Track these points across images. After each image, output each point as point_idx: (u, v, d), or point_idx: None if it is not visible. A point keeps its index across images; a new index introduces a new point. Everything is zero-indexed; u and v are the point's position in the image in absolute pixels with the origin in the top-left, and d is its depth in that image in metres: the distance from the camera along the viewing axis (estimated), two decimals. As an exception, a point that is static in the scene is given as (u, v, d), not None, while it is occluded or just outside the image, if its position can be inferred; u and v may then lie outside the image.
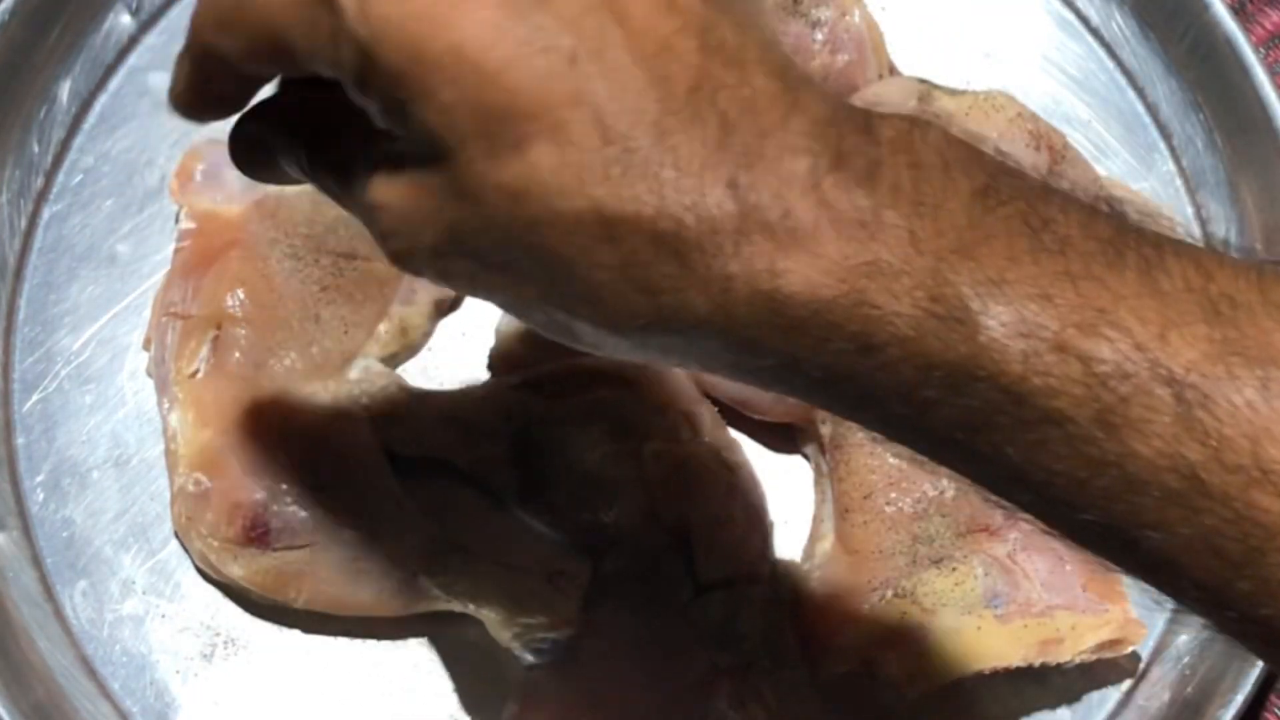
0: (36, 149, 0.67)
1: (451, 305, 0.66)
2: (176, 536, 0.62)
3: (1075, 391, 0.33)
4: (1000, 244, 0.35)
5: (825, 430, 0.62)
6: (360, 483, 0.59)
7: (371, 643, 0.61)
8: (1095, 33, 0.72)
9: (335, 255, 0.62)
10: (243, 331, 0.60)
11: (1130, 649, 0.60)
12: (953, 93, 0.66)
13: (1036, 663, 0.58)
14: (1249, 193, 0.69)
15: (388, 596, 0.59)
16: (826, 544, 0.61)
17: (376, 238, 0.39)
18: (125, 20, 0.69)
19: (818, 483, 0.64)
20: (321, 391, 0.61)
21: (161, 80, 0.68)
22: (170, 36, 0.69)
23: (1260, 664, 0.59)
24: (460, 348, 0.66)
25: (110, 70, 0.68)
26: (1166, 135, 0.71)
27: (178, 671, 0.61)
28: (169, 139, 0.67)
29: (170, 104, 0.44)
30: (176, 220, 0.63)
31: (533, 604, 0.59)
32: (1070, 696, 0.63)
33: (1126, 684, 0.63)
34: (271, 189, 0.62)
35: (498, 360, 0.63)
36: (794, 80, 0.36)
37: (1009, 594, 0.59)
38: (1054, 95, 0.71)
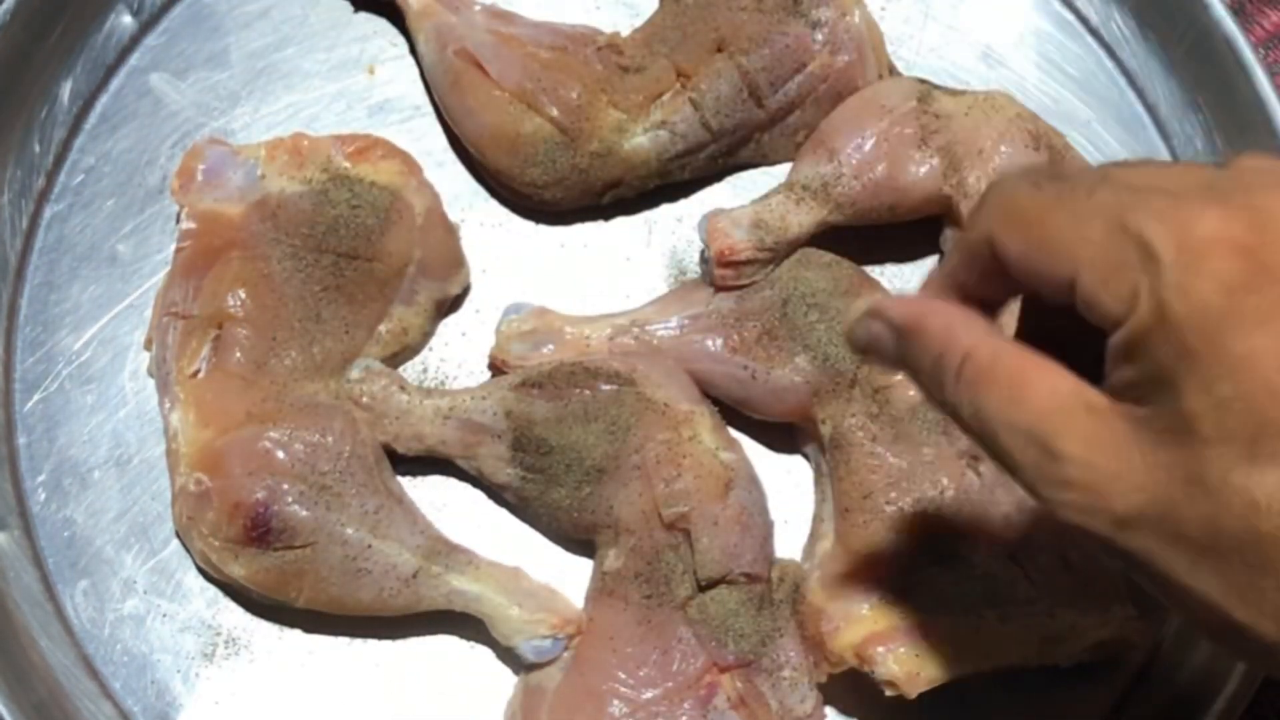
0: (38, 149, 0.67)
1: (452, 305, 0.66)
2: (177, 536, 0.62)
3: None
4: None
5: (825, 430, 0.62)
6: (360, 483, 0.59)
7: (371, 643, 0.61)
8: (1095, 33, 0.72)
9: (335, 255, 0.62)
10: (244, 331, 0.60)
11: (1130, 649, 0.60)
12: (953, 93, 0.66)
13: (1036, 663, 0.59)
14: (1249, 193, 0.69)
15: (388, 596, 0.59)
16: (826, 544, 0.61)
17: (1046, 480, 0.40)
18: (126, 20, 0.69)
19: (818, 483, 0.64)
20: (322, 391, 0.61)
21: (162, 80, 0.68)
22: (170, 37, 0.69)
23: (1260, 664, 0.59)
24: (460, 348, 0.66)
25: (111, 70, 0.68)
26: (1166, 135, 0.71)
27: (179, 671, 0.61)
28: (170, 139, 0.68)
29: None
30: (177, 220, 0.63)
31: (533, 604, 0.59)
32: (1070, 696, 0.63)
33: (1126, 684, 0.63)
34: (273, 189, 0.62)
35: (498, 360, 0.63)
36: None
37: (1009, 594, 0.59)
38: (1054, 95, 0.71)
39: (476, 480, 0.63)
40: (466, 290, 0.66)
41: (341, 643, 0.61)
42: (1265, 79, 0.67)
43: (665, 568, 0.59)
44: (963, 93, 0.66)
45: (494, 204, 0.68)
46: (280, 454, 0.58)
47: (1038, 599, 0.59)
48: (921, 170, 0.64)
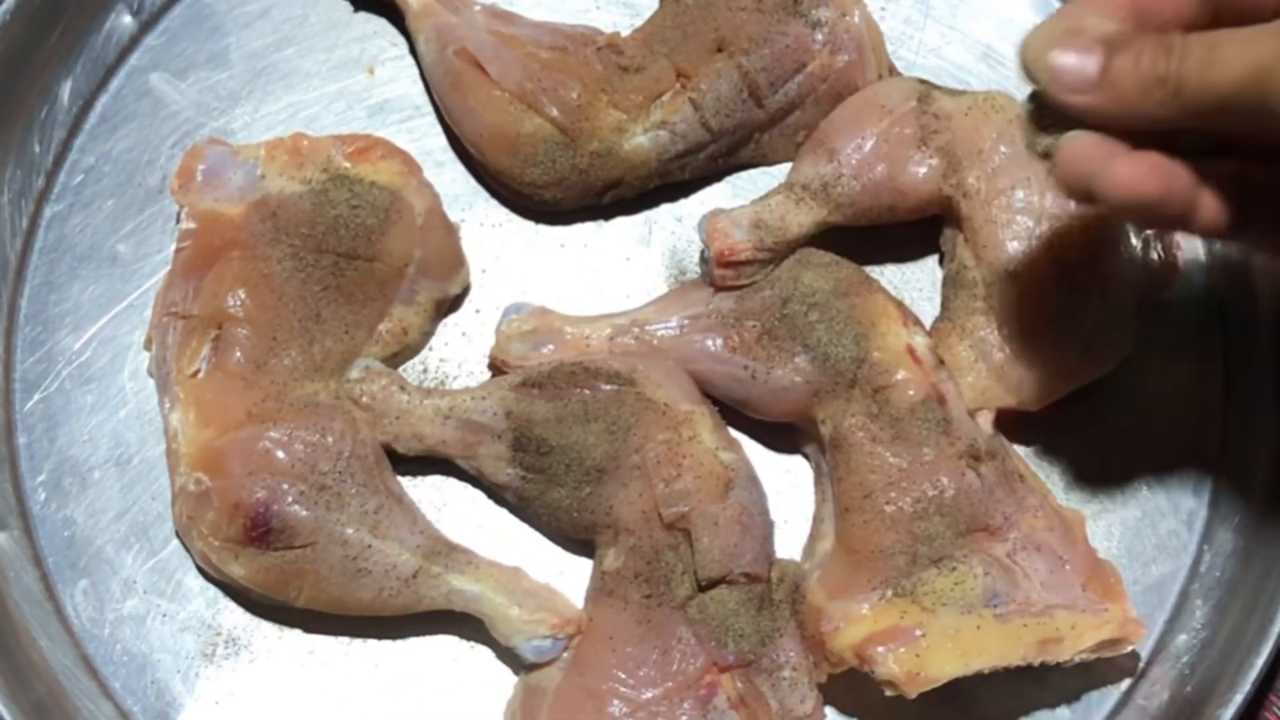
0: (38, 149, 0.67)
1: (452, 305, 0.66)
2: (177, 536, 0.62)
3: None
4: None
5: (825, 430, 0.62)
6: (360, 483, 0.59)
7: (371, 643, 0.61)
8: (1095, 33, 0.72)
9: (335, 255, 0.62)
10: (244, 331, 0.60)
11: (1130, 649, 0.60)
12: (953, 93, 0.66)
13: (1036, 662, 0.59)
14: (1249, 193, 0.69)
15: (388, 596, 0.59)
16: (826, 544, 0.61)
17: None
18: (126, 20, 0.69)
19: (818, 483, 0.64)
20: (322, 391, 0.61)
21: (162, 80, 0.68)
22: (170, 37, 0.69)
23: (1260, 664, 0.59)
24: (460, 348, 0.66)
25: (111, 70, 0.68)
26: (1166, 135, 0.71)
27: (179, 671, 0.61)
28: (170, 139, 0.68)
29: None
30: (177, 220, 0.63)
31: (533, 604, 0.59)
32: (1070, 696, 0.63)
33: (1126, 684, 0.63)
34: (273, 189, 0.62)
35: (498, 360, 0.63)
36: None
37: (1009, 594, 0.59)
38: (1054, 95, 0.71)
39: (476, 480, 0.63)
40: (466, 290, 0.66)
41: (341, 643, 0.61)
42: (1265, 79, 0.66)
43: (665, 568, 0.59)
44: (963, 93, 0.66)
45: (494, 204, 0.68)
46: (280, 454, 0.58)
47: (1038, 599, 0.59)
48: (921, 170, 0.64)
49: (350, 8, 0.70)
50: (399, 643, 0.61)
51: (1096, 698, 0.63)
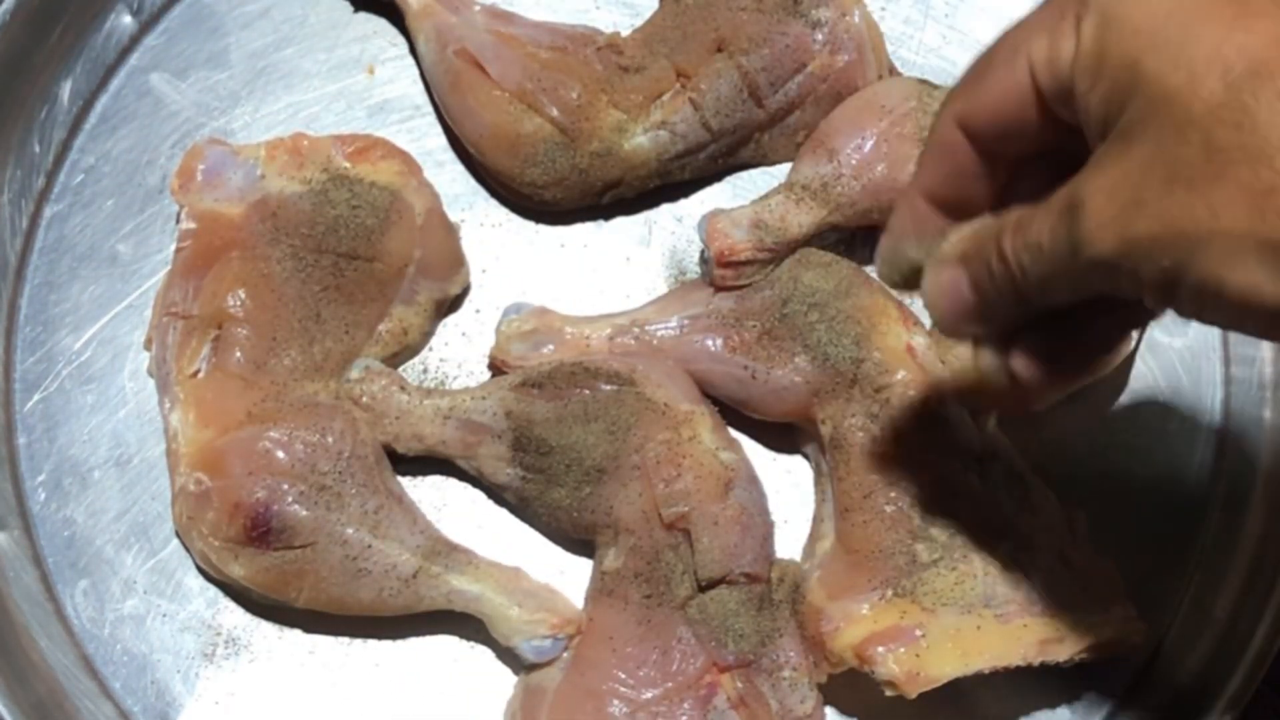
0: (38, 149, 0.67)
1: (452, 305, 0.66)
2: (177, 536, 0.62)
3: None
4: None
5: (825, 430, 0.62)
6: (360, 483, 0.59)
7: (371, 643, 0.61)
8: (1095, 33, 0.72)
9: (335, 255, 0.62)
10: (244, 331, 0.60)
11: (1130, 649, 0.60)
12: (953, 93, 0.66)
13: (1036, 662, 0.58)
14: (1249, 193, 0.69)
15: (388, 596, 0.59)
16: (826, 544, 0.61)
17: (1082, 236, 0.42)
18: (126, 20, 0.69)
19: (818, 483, 0.64)
20: (322, 391, 0.61)
21: (162, 80, 0.68)
22: (170, 37, 0.69)
23: (1260, 663, 0.59)
24: (460, 348, 0.66)
25: (111, 70, 0.68)
26: (1166, 135, 0.71)
27: (179, 671, 0.61)
28: (170, 139, 0.68)
29: (881, 274, 0.52)
30: (177, 220, 0.63)
31: (533, 604, 0.59)
32: (1070, 696, 0.63)
33: (1126, 684, 0.63)
34: (273, 189, 0.62)
35: (498, 360, 0.63)
36: None
37: (1009, 594, 0.59)
38: (1054, 95, 0.71)
39: (476, 480, 0.63)
40: (466, 290, 0.66)
41: (341, 643, 0.61)
42: (1265, 79, 0.66)
43: (665, 568, 0.59)
44: (963, 93, 0.66)
45: (494, 204, 0.68)
46: (280, 454, 0.58)
47: (1038, 599, 0.59)
48: (921, 170, 0.64)
49: (350, 8, 0.70)
50: (399, 643, 0.61)
51: (1096, 698, 0.63)
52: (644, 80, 0.66)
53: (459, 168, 0.68)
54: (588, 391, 0.60)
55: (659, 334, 0.63)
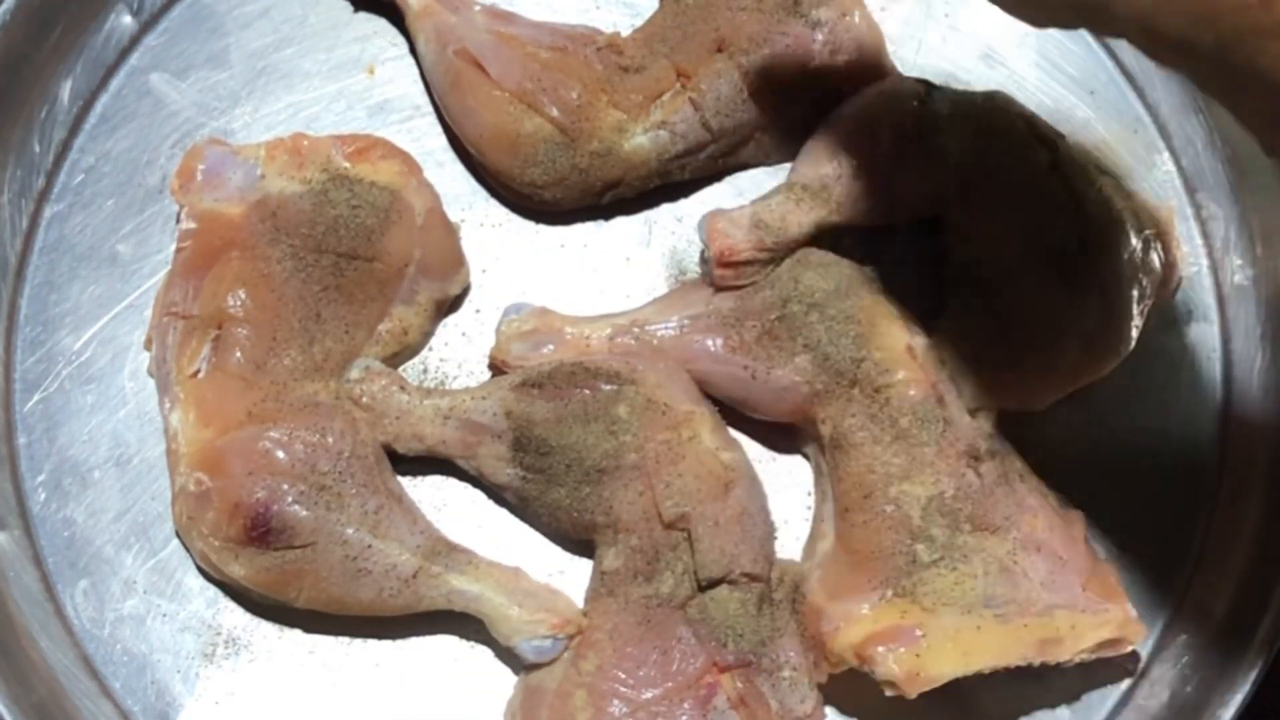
0: (38, 149, 0.67)
1: (452, 305, 0.66)
2: (177, 536, 0.62)
3: None
4: None
5: (825, 430, 0.62)
6: (360, 483, 0.59)
7: (371, 643, 0.61)
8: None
9: (335, 255, 0.62)
10: (244, 331, 0.60)
11: (1130, 649, 0.60)
12: (953, 93, 0.66)
13: (1036, 662, 0.59)
14: (1248, 193, 0.69)
15: (388, 596, 0.59)
16: (826, 544, 0.61)
17: None
18: (126, 20, 0.69)
19: (818, 483, 0.64)
20: (322, 391, 0.61)
21: (162, 80, 0.68)
22: (170, 37, 0.69)
23: (1259, 665, 0.59)
24: (460, 348, 0.66)
25: (111, 70, 0.68)
26: (1166, 135, 0.71)
27: (179, 671, 0.61)
28: (170, 139, 0.68)
29: None
30: (177, 220, 0.63)
31: (533, 604, 0.59)
32: (1070, 696, 0.63)
33: (1126, 684, 0.63)
34: (273, 189, 0.62)
35: (498, 360, 0.63)
36: None
37: (1009, 594, 0.59)
38: (1054, 95, 0.71)
39: (476, 480, 0.63)
40: (466, 290, 0.66)
41: (341, 643, 0.61)
42: (1265, 79, 0.66)
43: (665, 568, 0.59)
44: (963, 93, 0.66)
45: (494, 204, 0.68)
46: (280, 454, 0.58)
47: (1038, 599, 0.59)
48: (921, 170, 0.64)
49: (350, 8, 0.70)
50: (399, 643, 0.61)
51: (1096, 698, 0.63)
52: (644, 80, 0.66)
53: (459, 168, 0.68)
54: (588, 391, 0.60)
55: (659, 334, 0.63)
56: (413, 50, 0.69)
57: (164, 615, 0.61)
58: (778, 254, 0.63)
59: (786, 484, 0.65)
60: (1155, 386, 0.67)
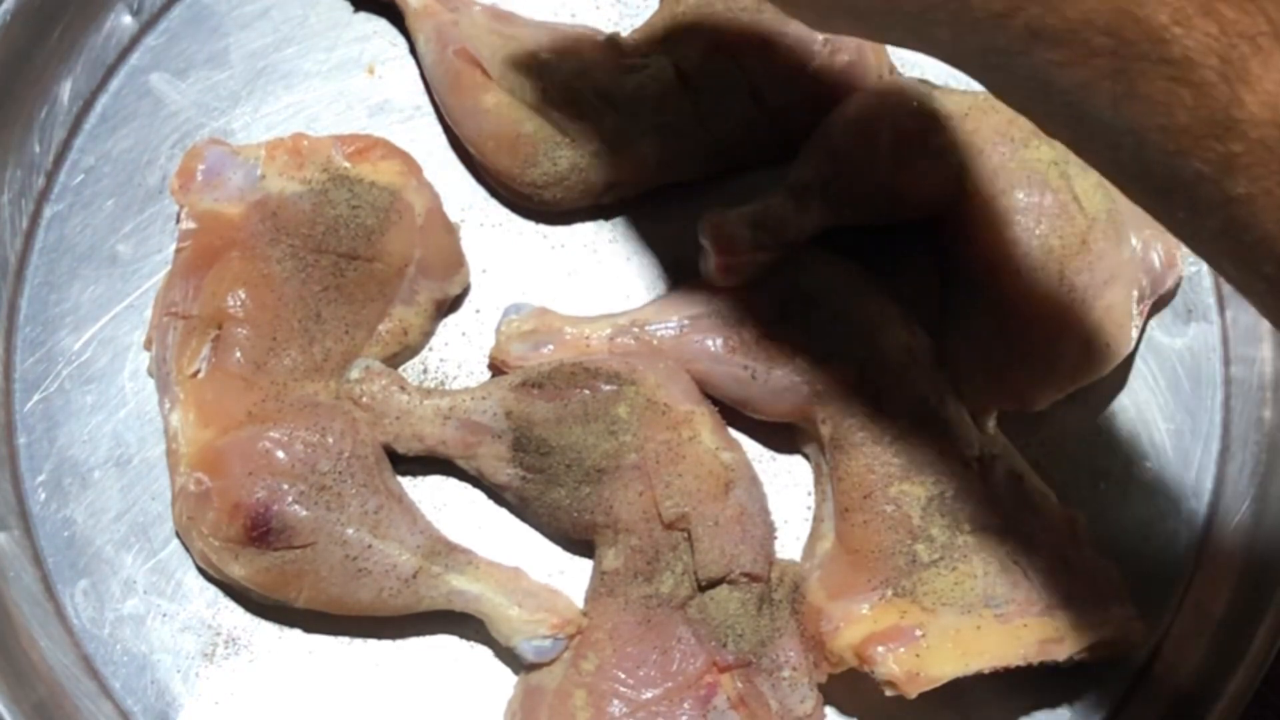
0: (38, 149, 0.67)
1: (452, 305, 0.66)
2: (177, 536, 0.62)
3: (1210, 44, 0.39)
4: None
5: (825, 430, 0.62)
6: (360, 483, 0.59)
7: (372, 643, 0.61)
8: (1095, 33, 0.72)
9: (335, 255, 0.62)
10: (244, 331, 0.60)
11: (1130, 649, 0.60)
12: (953, 93, 0.66)
13: (1036, 662, 0.59)
14: (1249, 193, 0.69)
15: (388, 596, 0.59)
16: (826, 544, 0.61)
17: None
18: (126, 21, 0.69)
19: (818, 483, 0.64)
20: (322, 391, 0.61)
21: (162, 80, 0.69)
22: (170, 37, 0.69)
23: (1259, 665, 0.59)
24: (460, 348, 0.66)
25: (111, 70, 0.68)
26: (1166, 135, 0.71)
27: (178, 671, 0.61)
28: (170, 139, 0.68)
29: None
30: (177, 220, 0.63)
31: (533, 604, 0.59)
32: (1070, 696, 0.63)
33: (1127, 684, 0.63)
34: (273, 189, 0.62)
35: (498, 360, 0.63)
36: None
37: (1009, 594, 0.59)
38: (1054, 95, 0.71)
39: (476, 480, 0.63)
40: (466, 290, 0.66)
41: (341, 643, 0.61)
42: (1265, 79, 0.66)
43: (665, 568, 0.59)
44: (963, 93, 0.66)
45: (494, 204, 0.68)
46: (280, 454, 0.58)
47: (1038, 599, 0.59)
48: (921, 170, 0.64)
49: (350, 8, 0.70)
50: (399, 643, 0.61)
51: (1096, 698, 0.63)
52: (644, 80, 0.66)
53: (459, 168, 0.68)
54: (588, 391, 0.60)
55: (659, 334, 0.63)
56: (413, 50, 0.69)
57: (164, 615, 0.61)
58: (778, 254, 0.63)
59: (786, 484, 0.65)
60: (1155, 386, 0.67)
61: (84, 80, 0.68)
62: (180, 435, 0.60)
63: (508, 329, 0.63)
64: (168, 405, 0.61)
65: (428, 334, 0.65)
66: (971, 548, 0.59)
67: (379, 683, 0.61)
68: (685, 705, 0.58)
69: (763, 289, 0.63)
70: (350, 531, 0.58)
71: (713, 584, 0.59)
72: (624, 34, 0.68)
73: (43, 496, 0.63)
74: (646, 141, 0.65)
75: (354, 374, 0.62)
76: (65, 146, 0.67)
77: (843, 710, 0.61)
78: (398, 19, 0.69)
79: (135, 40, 0.69)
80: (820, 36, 0.66)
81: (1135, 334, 0.64)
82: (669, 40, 0.67)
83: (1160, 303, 0.66)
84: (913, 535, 0.59)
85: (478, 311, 0.66)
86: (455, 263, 0.65)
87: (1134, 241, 0.64)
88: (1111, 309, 0.63)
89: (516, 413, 0.60)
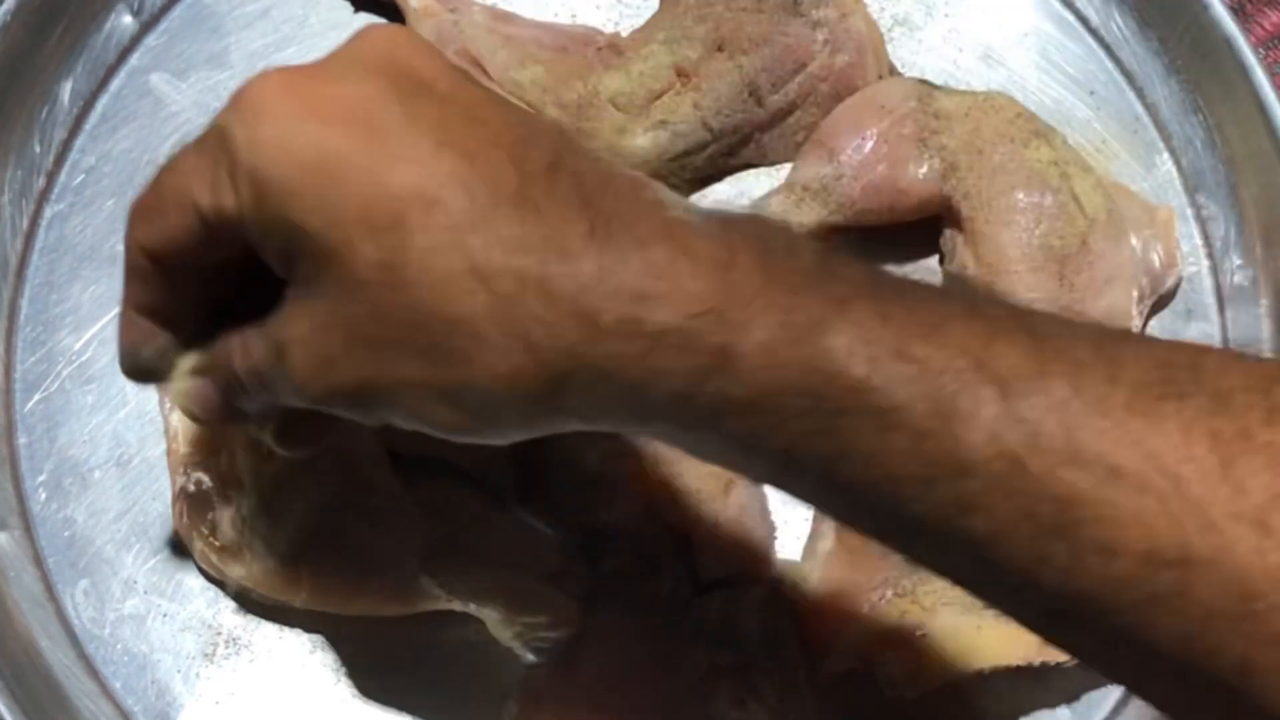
0: (38, 149, 0.67)
1: (452, 305, 0.66)
2: (177, 536, 0.62)
3: (913, 388, 0.37)
4: (841, 287, 0.39)
5: (825, 430, 0.62)
6: (360, 483, 0.59)
7: (372, 642, 0.61)
8: (1095, 33, 0.72)
9: (336, 255, 0.62)
10: (244, 331, 0.60)
11: (1130, 649, 0.60)
12: (953, 93, 0.66)
13: (1036, 662, 0.58)
14: (1248, 193, 0.69)
15: (388, 596, 0.59)
16: (826, 544, 0.61)
17: (292, 381, 0.43)
18: (126, 20, 0.69)
19: (818, 483, 0.64)
20: (322, 391, 0.61)
21: (162, 80, 0.69)
22: (171, 37, 0.69)
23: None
24: (461, 348, 0.66)
25: (112, 70, 0.68)
26: (1166, 135, 0.71)
27: (179, 671, 0.61)
28: (170, 139, 0.68)
29: (124, 370, 0.50)
30: (177, 220, 0.63)
31: (533, 604, 0.59)
32: (1070, 696, 0.63)
33: (1126, 684, 0.63)
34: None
35: (498, 360, 0.63)
36: (642, 177, 0.42)
37: (1009, 594, 0.59)
38: (1054, 95, 0.71)
39: (476, 480, 0.63)
40: (467, 290, 0.66)
41: (341, 643, 0.61)
42: (1265, 79, 0.67)
43: (665, 568, 0.59)
44: (963, 93, 0.66)
45: (494, 204, 0.68)
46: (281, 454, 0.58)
47: (1038, 599, 0.59)
48: (921, 170, 0.64)
49: (350, 8, 0.70)
50: (399, 642, 0.61)
51: (1096, 698, 0.63)
52: (644, 80, 0.66)
53: (459, 168, 0.68)
54: (588, 391, 0.60)
55: (659, 334, 0.63)
56: (413, 50, 0.69)
57: (164, 615, 0.61)
58: (778, 254, 0.63)
59: (786, 484, 0.64)
60: (1155, 386, 0.67)
61: (84, 80, 0.68)
62: (180, 435, 0.60)
63: (508, 329, 0.63)
64: (168, 405, 0.61)
65: (428, 334, 0.65)
66: (971, 548, 0.59)
67: (379, 683, 0.61)
68: (685, 706, 0.58)
69: (763, 289, 0.63)
70: (350, 531, 0.58)
71: (713, 584, 0.59)
72: (624, 34, 0.68)
73: (43, 496, 0.63)
74: (646, 141, 0.65)
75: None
76: (65, 146, 0.67)
77: (843, 710, 0.61)
78: (398, 19, 0.69)
79: (135, 40, 0.69)
80: (820, 36, 0.66)
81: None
82: (669, 40, 0.67)
83: (1160, 303, 0.66)
84: (913, 535, 0.59)
85: (478, 311, 0.66)
86: (455, 263, 0.65)
87: (1134, 241, 0.64)
88: (1111, 309, 0.63)
89: (516, 413, 0.60)
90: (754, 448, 0.40)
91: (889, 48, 0.68)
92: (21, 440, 0.63)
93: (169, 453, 0.61)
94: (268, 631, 0.61)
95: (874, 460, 0.38)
